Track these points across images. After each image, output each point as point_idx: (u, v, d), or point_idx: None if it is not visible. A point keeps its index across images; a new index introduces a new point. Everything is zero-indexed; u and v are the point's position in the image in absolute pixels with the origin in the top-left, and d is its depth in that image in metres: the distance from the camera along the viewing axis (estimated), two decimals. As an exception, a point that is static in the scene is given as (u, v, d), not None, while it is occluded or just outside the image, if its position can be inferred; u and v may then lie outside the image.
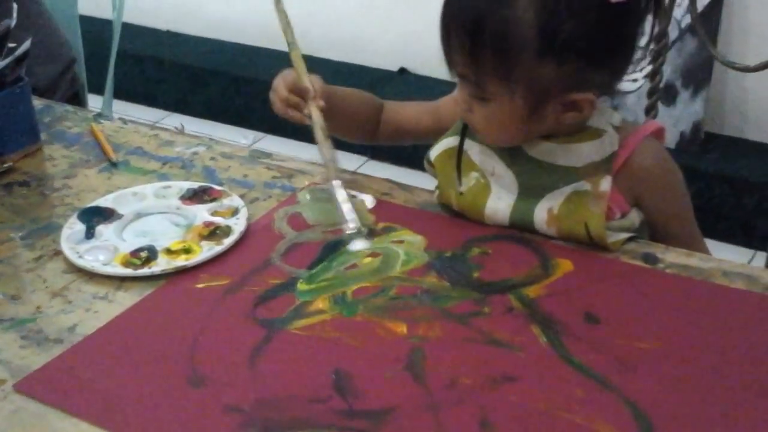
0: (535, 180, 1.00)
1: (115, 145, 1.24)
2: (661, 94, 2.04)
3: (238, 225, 1.03)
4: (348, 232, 1.00)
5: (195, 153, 1.22)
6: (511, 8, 0.90)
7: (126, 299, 0.93)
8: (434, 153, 1.06)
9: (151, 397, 0.80)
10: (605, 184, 0.97)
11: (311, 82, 1.05)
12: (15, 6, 1.24)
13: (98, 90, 1.89)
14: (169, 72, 3.02)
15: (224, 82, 2.92)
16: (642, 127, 1.02)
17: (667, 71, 2.22)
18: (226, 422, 0.77)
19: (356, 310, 0.90)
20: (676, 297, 0.91)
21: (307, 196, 1.09)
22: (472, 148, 1.04)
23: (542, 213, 0.99)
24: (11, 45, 1.19)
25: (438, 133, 1.08)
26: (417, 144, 1.18)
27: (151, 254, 0.99)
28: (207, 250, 0.99)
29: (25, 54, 1.19)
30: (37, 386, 0.82)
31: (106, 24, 1.99)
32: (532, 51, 0.90)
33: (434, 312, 0.89)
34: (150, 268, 0.96)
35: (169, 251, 0.99)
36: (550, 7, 0.89)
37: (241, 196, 1.09)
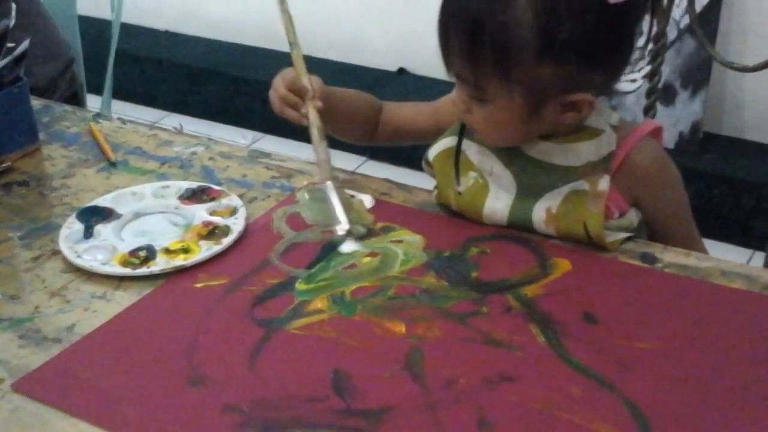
0: (533, 180, 1.00)
1: (113, 144, 1.24)
2: (659, 94, 2.03)
3: (236, 225, 1.03)
4: (339, 233, 1.00)
5: (194, 153, 1.22)
6: (510, 9, 0.90)
7: (124, 299, 0.93)
8: (432, 153, 1.06)
9: (150, 396, 0.80)
10: (603, 183, 0.97)
11: (310, 82, 1.05)
12: (14, 6, 1.24)
13: (97, 90, 1.89)
14: (168, 72, 3.02)
15: (223, 83, 2.92)
16: (640, 127, 1.02)
17: (666, 71, 2.22)
18: (224, 422, 0.77)
19: (355, 309, 0.90)
20: (674, 297, 0.91)
21: (306, 196, 1.09)
22: (470, 148, 1.04)
23: (541, 212, 0.99)
24: (10, 45, 1.19)
25: (437, 134, 1.08)
26: (416, 144, 1.18)
27: (149, 254, 0.99)
28: (205, 249, 0.99)
29: (24, 54, 1.19)
30: (35, 386, 0.82)
31: (105, 24, 1.99)
32: (531, 52, 0.90)
33: (433, 312, 0.89)
34: (148, 267, 0.96)
35: (167, 251, 0.99)
36: (549, 8, 0.89)
37: (240, 196, 1.09)
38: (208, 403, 0.79)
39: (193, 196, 1.09)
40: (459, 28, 0.93)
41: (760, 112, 2.33)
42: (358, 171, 1.55)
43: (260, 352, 0.85)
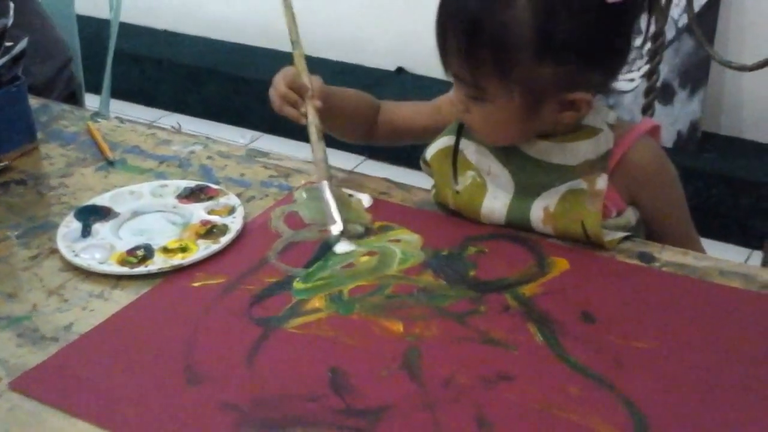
0: (531, 179, 1.00)
1: (111, 143, 1.24)
2: (657, 93, 2.04)
3: (234, 224, 1.03)
4: (334, 233, 1.00)
5: (192, 152, 1.22)
6: (509, 9, 0.90)
7: (122, 298, 0.93)
8: (430, 152, 1.06)
9: (148, 395, 0.80)
10: (601, 182, 0.97)
11: (311, 81, 1.05)
12: (12, 5, 1.24)
13: (96, 90, 1.89)
14: (166, 71, 3.02)
15: (222, 82, 2.92)
16: (637, 126, 1.02)
17: (665, 71, 2.23)
18: (222, 420, 0.77)
19: (353, 308, 0.90)
20: (672, 296, 0.91)
21: (304, 195, 1.09)
22: (467, 148, 1.04)
23: (538, 211, 0.99)
24: (8, 44, 1.19)
25: (435, 133, 1.08)
26: (414, 144, 1.18)
27: (147, 253, 0.99)
28: (203, 248, 0.99)
29: (22, 53, 1.19)
30: (33, 384, 0.82)
31: (104, 23, 1.99)
32: (530, 52, 0.90)
33: (431, 311, 0.89)
34: (146, 266, 0.96)
35: (165, 250, 0.99)
36: (548, 7, 0.89)
37: (238, 195, 1.09)
38: (206, 402, 0.79)
39: (191, 195, 1.09)
40: (457, 28, 0.93)
41: (758, 112, 2.33)
42: (356, 170, 1.54)
43: (258, 351, 0.85)
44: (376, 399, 0.78)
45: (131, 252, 0.99)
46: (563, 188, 0.98)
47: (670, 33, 2.19)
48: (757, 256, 2.09)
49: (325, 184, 1.03)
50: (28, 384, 0.82)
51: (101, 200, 1.09)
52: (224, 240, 1.00)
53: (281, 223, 1.04)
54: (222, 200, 1.08)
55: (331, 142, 1.07)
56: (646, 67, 1.88)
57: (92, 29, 2.37)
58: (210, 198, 1.09)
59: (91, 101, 1.84)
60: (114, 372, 0.83)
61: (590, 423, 0.75)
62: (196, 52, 3.04)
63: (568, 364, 0.82)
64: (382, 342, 0.85)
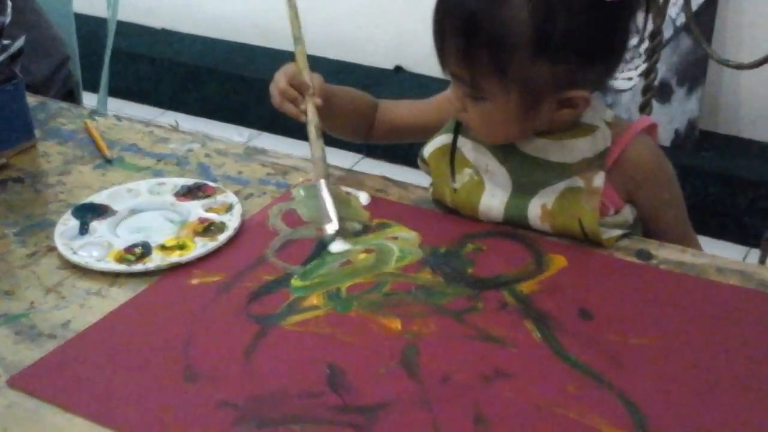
0: (528, 176, 1.00)
1: (109, 141, 1.24)
2: (655, 91, 2.04)
3: (232, 221, 1.03)
4: (329, 232, 1.00)
5: (189, 150, 1.22)
6: (506, 7, 0.89)
7: (120, 295, 0.93)
8: (428, 150, 1.06)
9: (145, 392, 0.80)
10: (598, 180, 0.97)
11: (312, 79, 1.05)
12: (9, 3, 1.24)
13: (93, 88, 1.89)
14: (164, 70, 3.02)
15: (219, 80, 2.92)
16: (635, 124, 1.02)
17: (662, 69, 2.23)
18: (220, 417, 0.77)
19: (350, 306, 0.90)
20: (669, 293, 0.91)
21: (302, 193, 1.09)
22: (465, 145, 1.04)
23: (536, 209, 0.99)
24: (5, 42, 1.19)
25: (433, 131, 1.08)
26: (412, 142, 1.18)
27: (145, 250, 0.99)
28: (201, 246, 0.99)
29: (20, 51, 1.19)
30: (30, 381, 0.82)
31: (101, 22, 1.99)
32: (527, 50, 0.90)
33: (428, 308, 0.89)
34: (144, 264, 0.96)
35: (163, 247, 0.99)
36: (546, 6, 0.89)
37: (236, 193, 1.09)
38: (203, 399, 0.79)
39: (189, 192, 1.09)
40: (454, 27, 0.93)
41: (756, 110, 2.34)
42: (354, 168, 1.55)
43: (256, 348, 0.85)
44: (374, 396, 0.78)
45: (129, 249, 0.99)
46: (561, 186, 0.98)
47: (667, 32, 2.19)
48: (754, 254, 2.09)
49: (322, 182, 1.03)
50: (26, 381, 0.82)
51: (99, 198, 1.09)
52: (222, 238, 1.00)
53: (279, 221, 1.04)
54: (220, 198, 1.08)
55: (329, 140, 1.07)
56: (644, 66, 1.88)
57: (90, 28, 2.37)
58: (208, 196, 1.09)
59: (89, 99, 1.84)
60: (112, 369, 0.83)
61: (588, 420, 0.75)
62: (193, 50, 3.04)
63: (566, 361, 0.82)
64: (380, 339, 0.86)
